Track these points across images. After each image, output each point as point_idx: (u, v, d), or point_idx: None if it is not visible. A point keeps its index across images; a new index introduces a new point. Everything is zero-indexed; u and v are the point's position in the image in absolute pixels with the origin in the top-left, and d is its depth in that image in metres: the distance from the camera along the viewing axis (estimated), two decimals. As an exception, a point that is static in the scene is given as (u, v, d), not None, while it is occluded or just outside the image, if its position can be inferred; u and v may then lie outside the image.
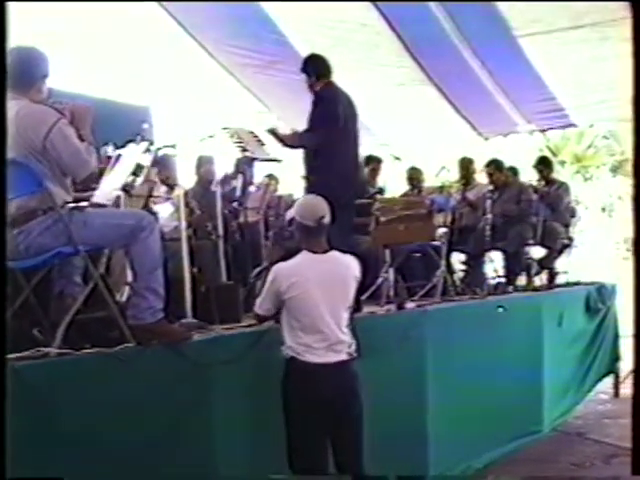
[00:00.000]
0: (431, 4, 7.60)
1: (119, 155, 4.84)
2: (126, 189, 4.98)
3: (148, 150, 4.93)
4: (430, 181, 8.54)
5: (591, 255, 15.55)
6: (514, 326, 6.52)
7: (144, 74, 8.82)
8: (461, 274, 8.15)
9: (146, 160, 4.96)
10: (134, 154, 4.86)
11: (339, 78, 5.81)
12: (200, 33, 8.66)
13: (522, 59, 8.41)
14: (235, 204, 6.85)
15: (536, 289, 8.01)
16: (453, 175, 8.41)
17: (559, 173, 10.90)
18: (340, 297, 3.95)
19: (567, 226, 8.63)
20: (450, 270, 7.41)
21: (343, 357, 3.90)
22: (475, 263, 8.16)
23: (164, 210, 5.99)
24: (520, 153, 15.23)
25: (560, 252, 8.58)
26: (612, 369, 8.46)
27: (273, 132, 5.68)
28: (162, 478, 3.66)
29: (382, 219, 6.88)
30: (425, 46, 8.53)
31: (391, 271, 6.91)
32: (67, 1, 7.23)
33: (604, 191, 19.83)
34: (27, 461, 3.07)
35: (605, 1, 6.86)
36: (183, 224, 5.05)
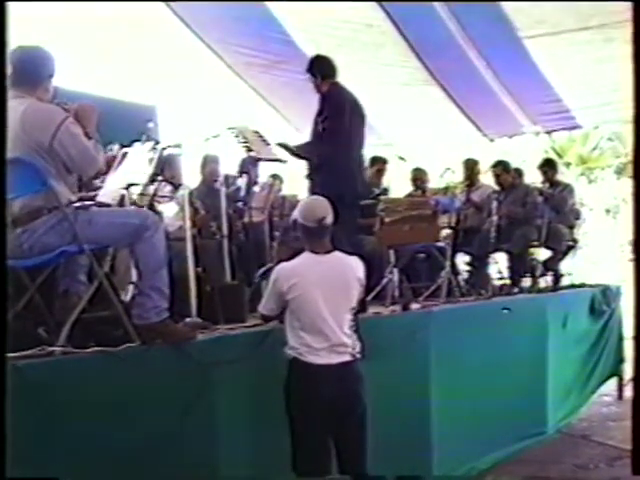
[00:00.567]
0: (436, 5, 7.60)
1: (125, 154, 4.84)
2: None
3: (154, 149, 4.94)
4: (435, 182, 8.53)
5: (596, 257, 15.56)
6: (518, 327, 6.52)
7: (150, 73, 8.83)
8: (466, 275, 8.14)
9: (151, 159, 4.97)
10: (140, 153, 4.86)
11: (344, 78, 5.81)
12: (206, 33, 8.67)
13: (527, 60, 8.41)
14: (240, 204, 6.86)
15: (541, 291, 8.00)
16: (458, 176, 8.40)
17: (564, 175, 10.89)
18: (342, 298, 3.94)
19: (572, 228, 8.61)
20: (455, 271, 7.39)
21: (346, 358, 3.89)
22: (480, 264, 8.14)
23: (169, 209, 5.99)
24: (525, 154, 15.24)
25: (565, 254, 8.57)
26: (616, 371, 8.45)
27: (285, 146, 5.68)
28: (165, 478, 3.66)
29: (387, 220, 6.88)
30: (430, 47, 8.54)
31: (396, 272, 6.91)
32: (71, 1, 7.22)
33: (609, 193, 19.81)
34: (30, 460, 3.08)
35: (609, 1, 6.85)
36: (188, 223, 5.05)
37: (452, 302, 6.68)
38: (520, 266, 8.11)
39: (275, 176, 7.92)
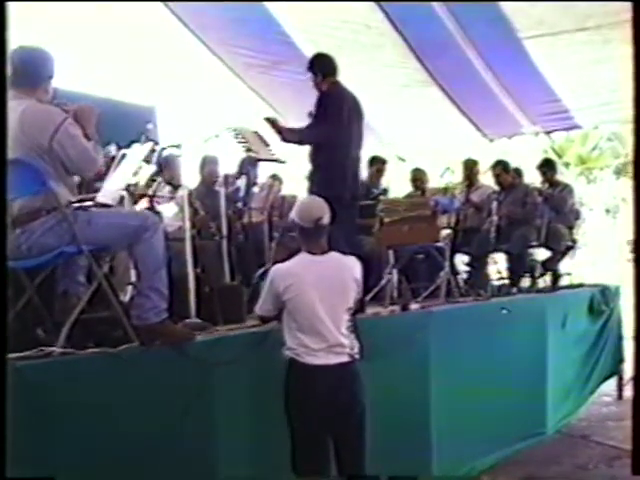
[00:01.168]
0: (435, 5, 7.60)
1: (124, 155, 4.85)
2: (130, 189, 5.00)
3: (153, 150, 4.94)
4: (434, 182, 8.53)
5: (595, 257, 15.56)
6: (518, 328, 6.51)
7: (149, 74, 8.83)
8: (465, 275, 8.15)
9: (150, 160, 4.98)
10: (139, 154, 4.87)
11: (344, 79, 5.81)
12: (205, 34, 8.67)
13: (527, 61, 8.41)
14: (239, 204, 6.86)
15: (540, 291, 8.00)
16: (457, 176, 8.40)
17: (563, 175, 10.90)
18: (338, 299, 3.93)
19: (571, 228, 8.61)
20: (454, 271, 7.40)
21: (344, 359, 3.88)
22: (479, 264, 8.14)
23: (168, 210, 6.00)
24: (525, 154, 15.23)
25: (564, 254, 8.57)
26: (615, 371, 8.44)
27: (272, 121, 5.67)
28: (164, 478, 3.66)
29: (386, 220, 6.88)
30: (430, 47, 8.53)
31: (395, 272, 6.91)
32: (70, 1, 7.22)
33: (608, 193, 19.82)
34: (29, 460, 3.08)
35: (608, 1, 6.85)
36: (187, 224, 5.06)
37: (451, 302, 6.68)
38: (519, 266, 8.11)
39: (274, 177, 7.93)
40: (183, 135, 6.41)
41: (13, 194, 3.60)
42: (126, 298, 4.52)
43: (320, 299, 3.84)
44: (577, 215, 8.97)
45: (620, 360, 8.44)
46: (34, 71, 3.85)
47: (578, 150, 20.60)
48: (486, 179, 8.83)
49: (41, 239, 3.67)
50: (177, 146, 5.35)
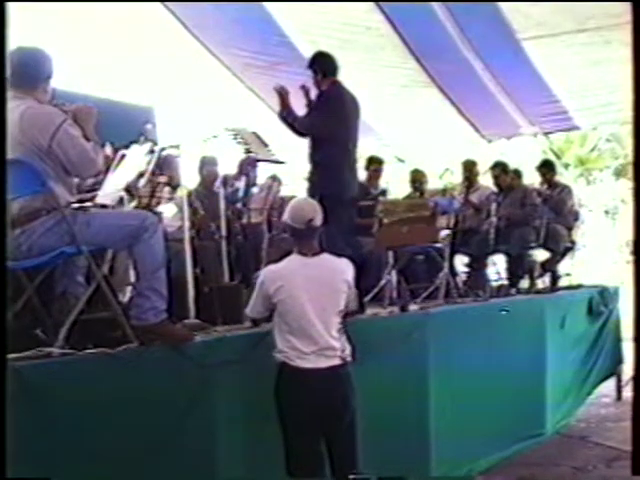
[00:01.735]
0: (435, 7, 7.60)
1: (123, 155, 4.84)
2: (129, 190, 5.00)
3: (152, 151, 4.94)
4: (433, 183, 8.54)
5: (594, 258, 15.58)
6: (517, 329, 6.52)
7: (148, 75, 8.83)
8: (464, 276, 8.15)
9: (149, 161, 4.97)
10: (137, 155, 4.87)
11: (343, 79, 5.82)
12: (204, 34, 8.67)
13: (526, 62, 8.43)
14: (238, 205, 6.86)
15: (539, 292, 8.01)
16: (456, 177, 8.41)
17: (562, 176, 10.92)
18: (329, 301, 3.90)
19: (570, 229, 8.63)
20: (453, 272, 7.41)
21: (335, 362, 3.84)
22: (478, 265, 8.15)
23: (167, 210, 5.99)
24: (523, 155, 15.26)
25: (563, 255, 8.59)
26: (614, 372, 8.45)
27: (282, 93, 5.65)
28: (164, 478, 3.66)
29: (385, 221, 6.89)
30: (429, 49, 8.55)
31: (394, 273, 6.92)
32: (69, 1, 7.22)
33: (607, 194, 19.84)
34: (29, 461, 3.08)
35: (607, 1, 6.85)
36: (186, 224, 5.05)
37: (450, 303, 6.69)
38: (518, 267, 8.12)
39: (274, 177, 7.91)
40: (182, 135, 6.40)
41: (13, 194, 3.60)
42: (125, 298, 4.52)
43: (310, 301, 3.81)
44: (576, 216, 8.99)
45: (619, 361, 8.45)
46: (33, 72, 3.85)
47: (577, 151, 20.62)
48: (485, 180, 8.84)
49: (40, 239, 3.67)
50: (176, 146, 5.34)
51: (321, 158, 5.57)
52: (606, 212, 19.68)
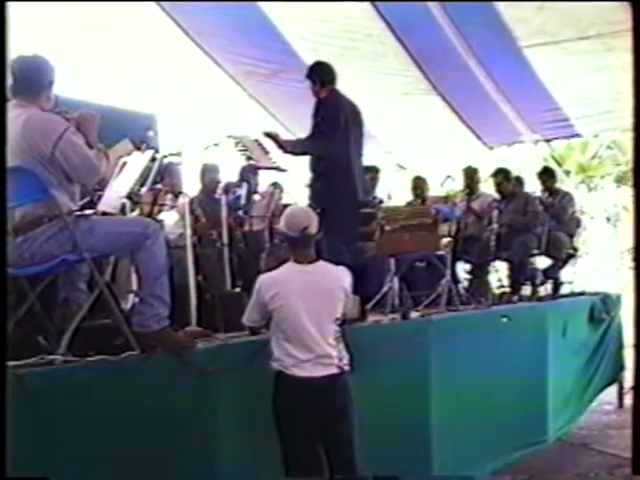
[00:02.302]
0: (436, 14, 7.61)
1: (124, 163, 4.85)
2: (131, 197, 5.01)
3: (154, 158, 4.94)
4: (435, 190, 8.54)
5: (596, 265, 15.57)
6: (518, 336, 6.51)
7: (150, 82, 8.85)
8: (466, 284, 8.15)
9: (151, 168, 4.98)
10: (139, 162, 4.87)
11: (345, 87, 5.83)
12: (206, 42, 8.69)
13: (527, 69, 8.43)
14: (240, 212, 6.87)
15: (540, 299, 8.01)
16: (458, 184, 8.41)
17: (563, 183, 10.92)
18: (325, 308, 3.88)
19: (572, 236, 8.63)
20: (455, 279, 7.39)
21: (332, 371, 3.83)
22: (480, 273, 8.14)
23: (169, 218, 6.00)
24: (525, 162, 15.27)
25: (565, 262, 8.58)
26: (615, 379, 8.44)
27: (273, 137, 5.66)
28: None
29: (387, 228, 6.88)
30: (431, 56, 8.56)
31: (396, 280, 6.91)
32: (70, 1, 7.22)
33: (609, 201, 19.84)
34: (30, 467, 3.08)
35: (608, 0, 6.85)
36: (188, 232, 5.06)
37: (452, 310, 6.67)
38: (520, 274, 8.11)
39: (275, 185, 7.93)
40: (184, 143, 6.41)
41: (15, 202, 3.61)
42: (127, 306, 4.52)
43: (305, 308, 3.80)
44: (578, 223, 8.99)
45: (620, 368, 8.44)
46: (35, 79, 3.86)
47: (578, 158, 20.63)
48: (486, 187, 8.84)
49: (43, 247, 3.67)
50: (178, 154, 5.36)
51: (323, 169, 5.57)
52: (607, 219, 19.70)
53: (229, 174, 7.42)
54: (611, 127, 9.88)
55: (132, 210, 5.33)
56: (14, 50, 3.57)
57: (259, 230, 6.95)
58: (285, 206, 7.40)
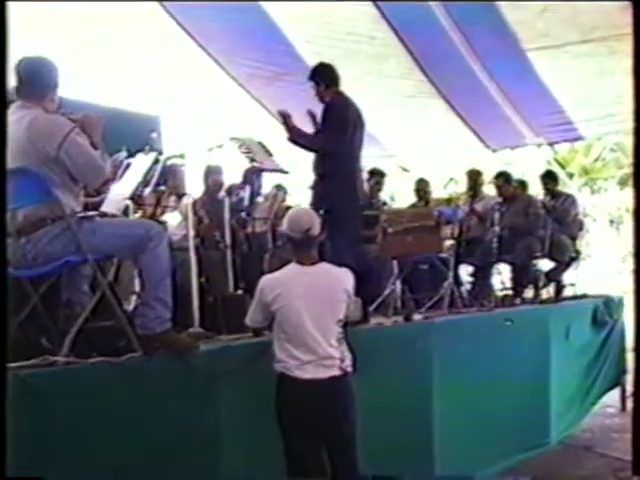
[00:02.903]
0: (440, 17, 7.61)
1: (128, 164, 4.86)
2: (134, 198, 5.02)
3: (157, 160, 4.95)
4: (438, 193, 8.54)
5: (599, 268, 15.54)
6: (521, 338, 6.51)
7: (154, 84, 8.86)
8: (468, 286, 8.15)
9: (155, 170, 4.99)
10: (143, 164, 4.88)
11: (347, 89, 5.83)
12: (210, 44, 8.69)
13: (531, 73, 8.43)
14: (243, 214, 6.87)
15: (543, 302, 8.01)
16: (461, 187, 8.42)
17: (567, 186, 10.90)
18: (327, 310, 3.89)
19: (575, 239, 8.62)
20: (457, 282, 7.40)
21: (334, 373, 3.84)
22: (482, 275, 8.15)
23: (172, 219, 6.01)
24: (528, 165, 15.25)
25: (568, 265, 8.58)
26: (618, 382, 8.43)
27: (285, 116, 5.65)
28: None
29: (390, 230, 6.89)
30: (434, 59, 8.56)
31: (398, 282, 6.92)
32: (72, 1, 7.23)
33: (612, 204, 19.82)
34: (32, 469, 3.08)
35: (611, 0, 6.84)
36: (191, 233, 5.07)
37: (454, 313, 6.68)
38: (523, 277, 8.11)
39: (278, 187, 7.95)
40: (187, 145, 6.42)
41: (19, 203, 3.62)
42: (130, 307, 4.53)
43: (307, 309, 3.81)
44: (581, 226, 8.98)
45: (623, 371, 8.43)
46: (40, 81, 3.87)
47: (582, 161, 20.63)
48: (490, 190, 8.84)
49: (46, 248, 3.68)
50: (181, 156, 5.37)
51: (326, 170, 5.57)
52: (610, 222, 19.68)
53: (232, 176, 7.43)
54: (614, 130, 9.87)
55: (135, 212, 5.35)
56: (17, 52, 3.57)
57: (262, 232, 6.96)
58: (288, 208, 7.45)
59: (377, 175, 8.51)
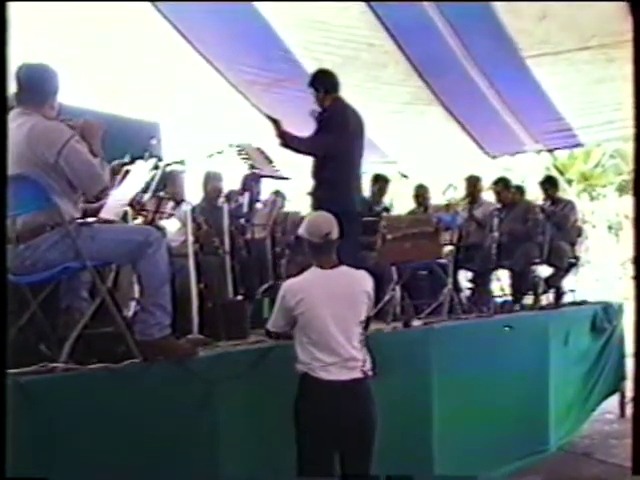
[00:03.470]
0: (439, 23, 7.62)
1: (127, 171, 4.87)
2: (133, 205, 5.02)
3: (156, 167, 4.96)
4: (437, 199, 8.54)
5: (598, 274, 15.54)
6: (520, 345, 6.51)
7: (153, 90, 8.87)
8: (468, 292, 8.15)
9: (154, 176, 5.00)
10: (142, 170, 4.89)
11: (346, 96, 5.83)
12: (209, 51, 8.71)
13: (530, 79, 8.44)
14: (242, 220, 6.87)
15: (542, 308, 8.00)
16: (460, 193, 8.42)
17: (566, 192, 10.91)
18: (349, 312, 3.93)
19: (574, 245, 8.63)
20: (457, 288, 7.40)
21: (357, 375, 3.87)
22: (482, 281, 8.15)
23: (171, 225, 6.01)
24: (527, 171, 15.26)
25: (567, 271, 8.58)
26: (617, 388, 8.43)
27: (275, 122, 5.65)
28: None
29: (389, 237, 6.89)
30: (432, 66, 8.57)
31: (397, 288, 6.91)
32: (72, 1, 7.23)
33: (611, 210, 19.84)
34: (31, 474, 3.08)
35: (611, 0, 6.85)
36: (190, 239, 5.07)
37: (454, 319, 6.68)
38: (522, 283, 8.11)
39: (277, 193, 7.94)
40: (186, 151, 6.43)
41: (18, 210, 3.63)
42: (129, 313, 4.53)
43: (331, 313, 3.85)
44: (579, 232, 8.98)
45: (622, 377, 8.42)
46: (40, 88, 3.88)
47: (581, 167, 20.64)
48: (489, 196, 8.85)
49: (46, 254, 3.68)
50: (181, 162, 5.37)
51: (325, 176, 5.57)
52: (610, 228, 19.69)
53: (232, 182, 7.44)
54: (613, 137, 9.88)
55: (134, 218, 5.35)
56: (17, 58, 3.58)
57: (261, 238, 6.96)
58: (287, 214, 7.46)
59: (381, 181, 8.51)
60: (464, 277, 8.35)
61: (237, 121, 9.70)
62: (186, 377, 3.80)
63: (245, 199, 6.82)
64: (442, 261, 7.30)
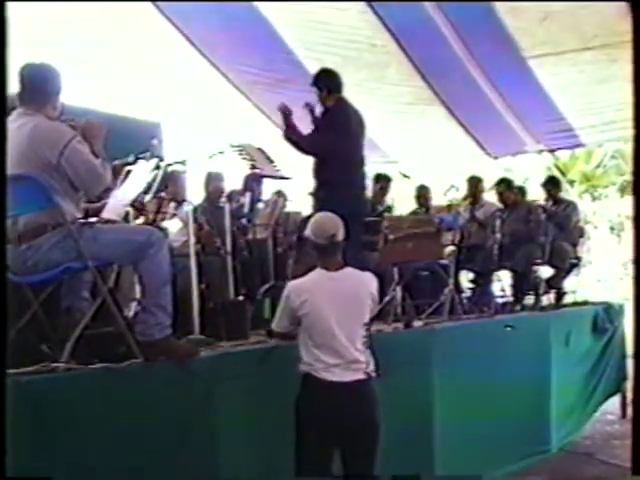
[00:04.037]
0: (440, 24, 7.62)
1: (129, 171, 4.87)
2: (135, 205, 5.02)
3: (158, 167, 4.96)
4: (438, 199, 8.54)
5: (599, 275, 15.54)
6: (521, 345, 6.51)
7: (155, 90, 8.87)
8: (469, 293, 8.14)
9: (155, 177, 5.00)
10: (144, 170, 4.89)
11: (348, 96, 5.84)
12: (211, 51, 8.71)
13: (531, 80, 8.44)
14: (244, 221, 6.87)
15: (544, 308, 8.01)
16: (462, 193, 8.41)
17: (567, 192, 10.91)
18: (354, 314, 3.93)
19: (575, 245, 8.62)
20: (458, 289, 7.40)
21: (360, 376, 3.87)
22: (483, 282, 8.14)
23: (173, 226, 6.01)
24: (529, 172, 15.26)
25: (568, 271, 8.58)
26: (618, 389, 8.42)
27: (286, 112, 5.65)
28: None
29: (390, 237, 6.88)
30: (435, 66, 8.57)
31: (399, 289, 6.91)
32: (72, 1, 7.24)
33: (613, 210, 19.81)
34: (32, 474, 3.08)
35: (608, 1, 6.84)
36: (191, 240, 5.07)
37: (455, 320, 6.68)
38: (523, 284, 8.11)
39: (279, 193, 7.93)
40: (188, 151, 6.43)
41: (20, 210, 3.63)
42: (130, 314, 4.53)
43: (335, 314, 3.85)
44: (581, 232, 8.99)
45: (623, 378, 8.42)
46: (42, 88, 3.88)
47: (582, 168, 20.61)
48: (490, 197, 8.84)
49: (47, 254, 3.68)
50: (182, 162, 5.37)
51: (327, 176, 5.58)
52: (611, 228, 19.66)
53: (233, 182, 7.44)
54: (615, 137, 9.89)
55: (136, 218, 5.35)
56: (19, 58, 3.58)
57: (262, 238, 6.96)
58: (289, 214, 7.46)
59: (383, 180, 8.51)
60: (465, 278, 8.34)
61: (238, 121, 9.70)
62: (187, 377, 3.80)
63: (247, 199, 6.82)
64: (443, 262, 7.30)
